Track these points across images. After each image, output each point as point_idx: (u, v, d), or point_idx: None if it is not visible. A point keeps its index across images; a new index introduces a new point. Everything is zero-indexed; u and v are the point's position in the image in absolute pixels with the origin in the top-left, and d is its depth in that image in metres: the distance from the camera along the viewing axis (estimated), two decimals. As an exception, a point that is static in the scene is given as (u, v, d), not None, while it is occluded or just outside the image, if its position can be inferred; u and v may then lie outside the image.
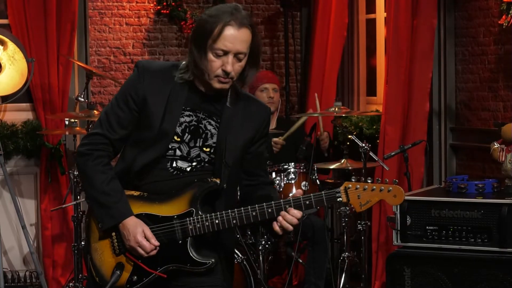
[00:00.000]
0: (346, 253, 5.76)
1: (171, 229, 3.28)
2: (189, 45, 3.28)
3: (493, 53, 5.75)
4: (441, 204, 4.75)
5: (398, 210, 4.79)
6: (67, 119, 6.11)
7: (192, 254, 3.28)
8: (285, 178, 5.74)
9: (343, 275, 5.75)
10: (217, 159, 3.32)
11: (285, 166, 5.78)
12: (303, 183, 5.75)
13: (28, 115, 6.54)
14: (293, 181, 5.77)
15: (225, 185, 3.30)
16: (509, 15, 5.37)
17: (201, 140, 3.32)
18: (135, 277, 3.30)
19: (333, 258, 6.64)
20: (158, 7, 6.93)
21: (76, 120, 6.06)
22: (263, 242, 5.60)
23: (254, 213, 3.25)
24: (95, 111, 5.83)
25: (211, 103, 3.33)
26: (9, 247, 6.48)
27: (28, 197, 6.55)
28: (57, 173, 6.44)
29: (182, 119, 3.30)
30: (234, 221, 3.26)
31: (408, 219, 4.77)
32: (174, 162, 3.31)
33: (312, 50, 7.05)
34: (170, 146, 3.29)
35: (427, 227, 4.75)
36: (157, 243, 3.26)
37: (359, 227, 5.72)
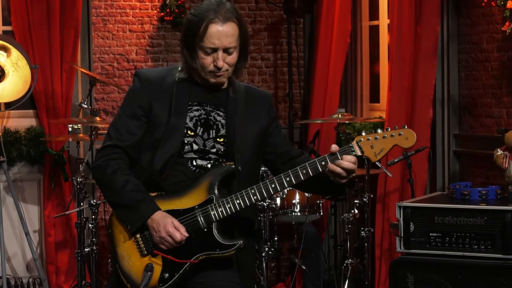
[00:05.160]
0: (350, 260, 5.76)
1: (194, 220, 3.31)
2: (180, 46, 3.36)
3: (496, 59, 5.75)
4: (444, 210, 4.73)
5: (402, 217, 4.78)
6: (70, 125, 6.13)
7: (219, 238, 3.31)
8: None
9: (347, 281, 5.75)
10: (229, 145, 3.37)
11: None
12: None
13: (32, 122, 6.54)
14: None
15: (240, 168, 3.34)
16: (512, 22, 5.37)
17: (214, 131, 3.39)
18: (166, 274, 3.31)
19: (337, 264, 6.64)
20: (162, 14, 6.93)
21: (79, 127, 6.06)
22: (266, 248, 5.59)
23: (273, 185, 3.30)
24: (98, 117, 5.84)
25: (215, 95, 3.41)
26: (12, 253, 6.48)
27: (31, 203, 6.55)
28: (60, 180, 6.44)
29: (191, 114, 3.37)
30: (255, 197, 3.30)
31: (411, 225, 4.76)
32: (194, 161, 3.36)
33: (315, 56, 7.04)
34: (186, 141, 3.35)
35: (431, 234, 4.74)
36: (186, 234, 3.28)
37: (362, 233, 5.72)
